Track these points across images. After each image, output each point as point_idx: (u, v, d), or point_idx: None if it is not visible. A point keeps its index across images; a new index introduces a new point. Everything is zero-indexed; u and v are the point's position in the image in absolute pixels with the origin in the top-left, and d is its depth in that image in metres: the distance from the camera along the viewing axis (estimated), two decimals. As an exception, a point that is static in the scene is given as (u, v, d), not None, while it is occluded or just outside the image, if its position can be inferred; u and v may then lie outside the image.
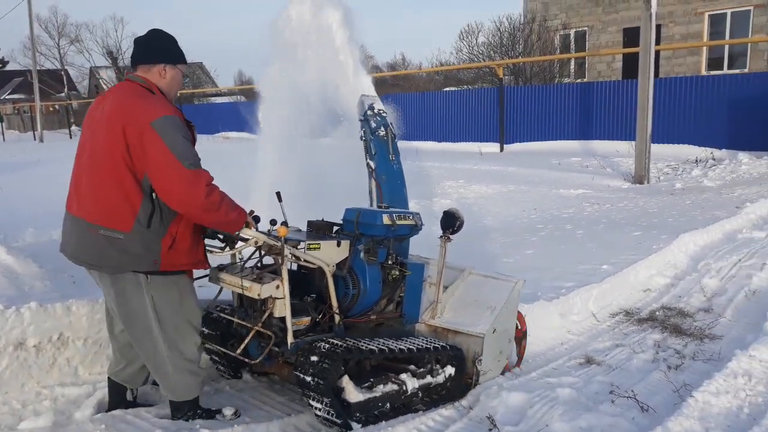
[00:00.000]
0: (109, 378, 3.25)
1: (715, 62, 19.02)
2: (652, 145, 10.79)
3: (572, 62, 21.52)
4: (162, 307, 2.89)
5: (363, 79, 4.59)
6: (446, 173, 12.15)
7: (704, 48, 18.73)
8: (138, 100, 2.76)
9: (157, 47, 2.94)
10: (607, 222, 7.65)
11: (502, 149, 16.21)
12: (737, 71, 17.55)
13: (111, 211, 2.71)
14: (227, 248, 3.19)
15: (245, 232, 3.01)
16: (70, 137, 33.44)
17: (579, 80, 20.73)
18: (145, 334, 2.92)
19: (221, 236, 3.18)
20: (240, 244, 3.15)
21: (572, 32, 21.87)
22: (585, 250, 6.21)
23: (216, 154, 16.33)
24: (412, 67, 38.92)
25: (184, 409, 3.09)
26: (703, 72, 18.63)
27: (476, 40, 24.93)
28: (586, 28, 21.56)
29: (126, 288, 2.84)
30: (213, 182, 2.79)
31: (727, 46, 18.53)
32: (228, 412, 3.22)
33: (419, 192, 8.71)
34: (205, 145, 20.39)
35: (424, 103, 18.82)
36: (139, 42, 2.96)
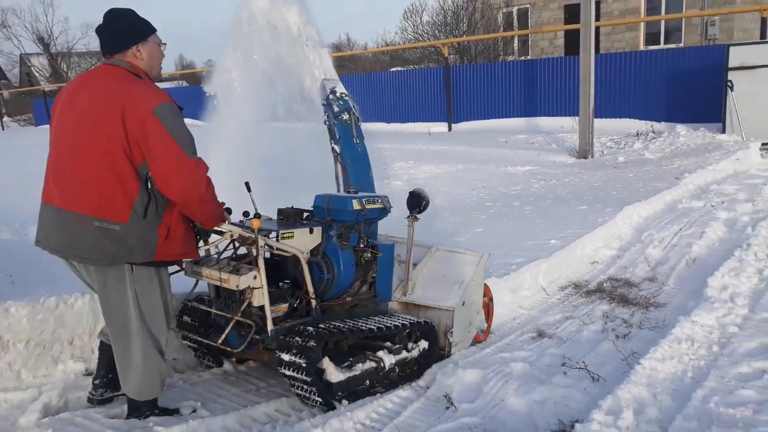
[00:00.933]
0: (102, 342, 3.14)
1: (652, 37, 19.52)
2: (595, 120, 11.04)
3: (516, 40, 21.74)
4: (144, 301, 2.83)
5: (324, 63, 4.56)
6: (396, 154, 12.14)
7: (642, 23, 19.20)
8: (131, 86, 2.65)
9: (120, 29, 2.78)
10: (553, 197, 7.80)
11: (450, 128, 16.30)
12: (673, 46, 18.07)
13: (106, 202, 2.60)
14: (201, 242, 3.16)
15: (222, 226, 3.04)
16: (2, 129, 31.94)
17: (523, 58, 20.97)
18: (122, 330, 2.83)
19: (195, 229, 3.13)
20: (214, 237, 3.15)
21: (515, 10, 22.05)
22: (533, 226, 6.32)
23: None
24: (357, 48, 38.63)
25: (143, 410, 3.00)
26: (642, 47, 19.11)
27: (421, 19, 24.88)
28: (528, 6, 21.77)
29: (108, 281, 2.75)
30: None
31: (663, 21, 19.05)
32: (186, 411, 3.14)
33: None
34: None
35: (372, 83, 18.72)
36: (100, 30, 2.80)
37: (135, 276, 2.77)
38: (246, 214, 3.18)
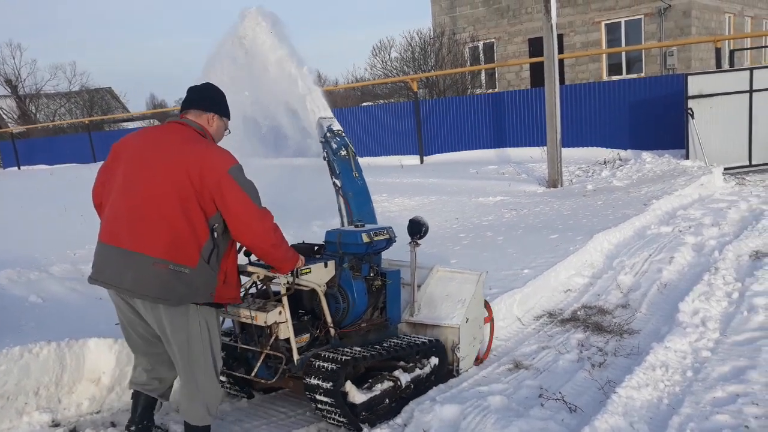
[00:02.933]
0: (136, 392, 3.28)
1: (614, 68, 20.14)
2: (562, 149, 11.23)
3: (483, 73, 22.21)
4: (205, 333, 3.06)
5: (318, 101, 4.70)
6: (369, 188, 12.17)
7: (604, 55, 19.79)
8: (207, 148, 3.01)
9: (211, 98, 3.22)
10: (525, 227, 7.87)
11: (422, 161, 16.45)
12: (635, 75, 18.63)
13: (180, 248, 2.88)
14: None
15: (255, 270, 3.34)
16: (-30, 172, 31.34)
17: (490, 90, 21.41)
18: (189, 362, 3.05)
19: None
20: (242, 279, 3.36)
21: (480, 44, 22.59)
22: (506, 256, 6.35)
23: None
24: (328, 84, 38.96)
25: None
26: (605, 77, 19.67)
27: (389, 55, 25.29)
28: (493, 40, 22.33)
29: (174, 319, 2.97)
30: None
31: (624, 53, 19.67)
32: None
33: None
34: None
35: (343, 119, 18.75)
36: (194, 89, 3.24)
37: (200, 310, 3.01)
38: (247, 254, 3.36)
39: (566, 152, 11.99)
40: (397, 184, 12.62)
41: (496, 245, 6.97)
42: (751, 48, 20.57)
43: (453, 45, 21.96)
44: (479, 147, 15.88)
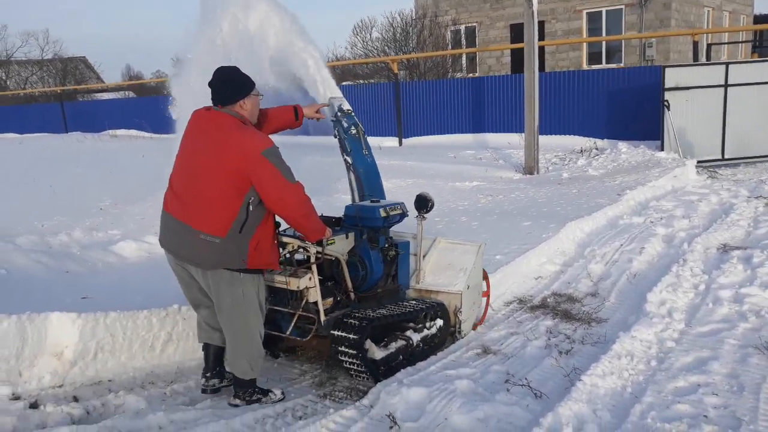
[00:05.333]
0: (205, 344, 3.74)
1: (594, 56, 20.22)
2: (540, 136, 11.27)
3: (464, 57, 22.13)
4: (248, 299, 3.46)
5: (329, 82, 4.89)
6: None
7: (584, 44, 19.85)
8: (244, 133, 3.37)
9: (231, 89, 3.46)
10: (500, 213, 7.90)
11: (401, 143, 16.40)
12: (614, 65, 18.73)
13: (213, 220, 3.30)
14: None
15: (288, 240, 3.74)
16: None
17: (471, 75, 21.36)
18: (233, 322, 3.48)
19: None
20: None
21: (462, 28, 22.50)
22: (480, 242, 6.35)
23: (112, 153, 15.34)
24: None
25: (248, 387, 3.59)
26: (585, 66, 19.75)
27: (370, 35, 25.01)
28: (475, 24, 22.24)
29: (221, 284, 3.40)
30: None
31: (604, 42, 19.75)
32: (277, 391, 3.69)
33: (320, 188, 8.61)
34: (93, 144, 18.84)
35: (322, 98, 18.67)
36: (212, 86, 3.47)
37: (243, 279, 3.41)
38: (277, 225, 3.65)
39: (544, 139, 12.04)
40: (375, 166, 12.54)
41: (470, 230, 6.98)
42: (728, 43, 20.84)
43: (435, 27, 21.81)
44: (458, 131, 15.87)
